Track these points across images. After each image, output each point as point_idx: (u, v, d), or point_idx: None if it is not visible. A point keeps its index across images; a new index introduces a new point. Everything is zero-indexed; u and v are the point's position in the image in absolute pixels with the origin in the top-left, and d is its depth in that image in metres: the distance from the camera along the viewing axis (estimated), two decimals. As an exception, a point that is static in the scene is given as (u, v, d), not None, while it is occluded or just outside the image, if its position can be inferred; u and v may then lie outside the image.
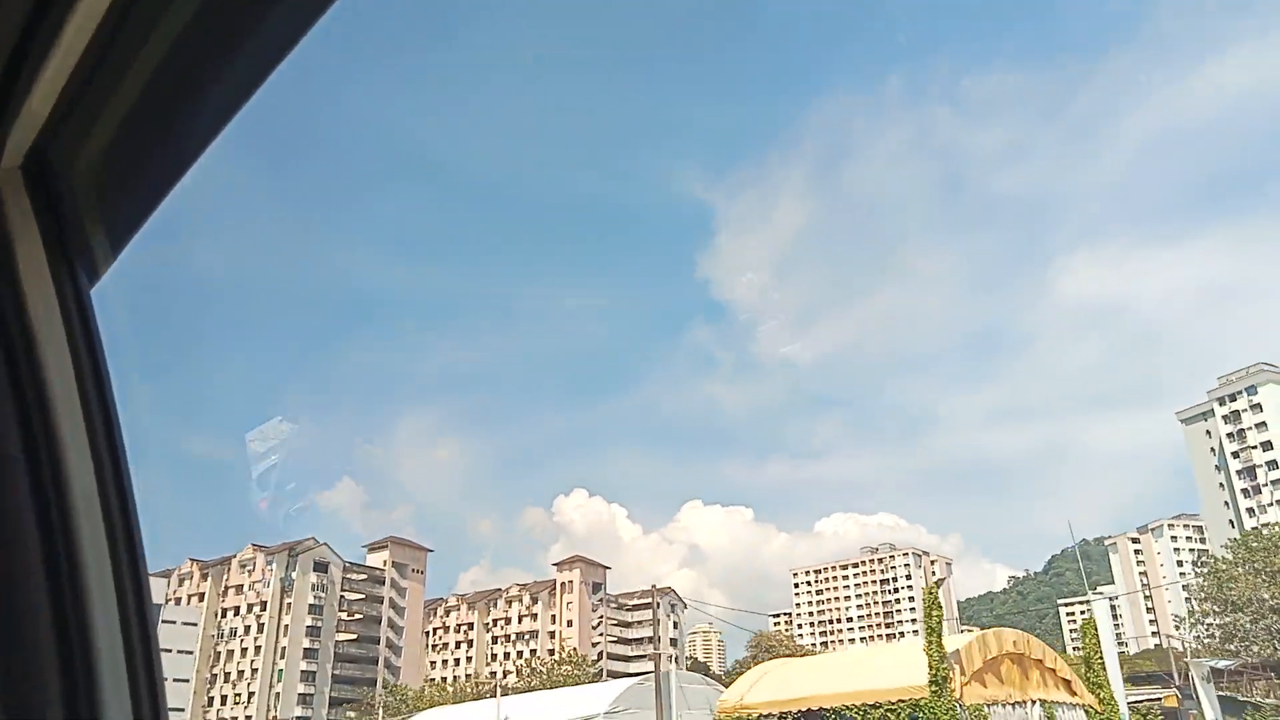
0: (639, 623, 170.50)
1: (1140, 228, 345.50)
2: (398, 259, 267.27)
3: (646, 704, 27.85)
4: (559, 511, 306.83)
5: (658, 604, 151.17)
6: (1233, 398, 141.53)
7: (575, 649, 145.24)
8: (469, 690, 69.46)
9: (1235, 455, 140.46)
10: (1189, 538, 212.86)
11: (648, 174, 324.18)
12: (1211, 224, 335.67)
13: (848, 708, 20.05)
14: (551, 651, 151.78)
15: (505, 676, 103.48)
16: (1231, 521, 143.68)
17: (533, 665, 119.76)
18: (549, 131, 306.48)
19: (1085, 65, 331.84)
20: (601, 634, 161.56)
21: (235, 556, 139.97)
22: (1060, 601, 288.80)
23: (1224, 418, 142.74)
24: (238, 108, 1.38)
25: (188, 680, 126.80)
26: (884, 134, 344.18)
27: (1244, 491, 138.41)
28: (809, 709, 20.61)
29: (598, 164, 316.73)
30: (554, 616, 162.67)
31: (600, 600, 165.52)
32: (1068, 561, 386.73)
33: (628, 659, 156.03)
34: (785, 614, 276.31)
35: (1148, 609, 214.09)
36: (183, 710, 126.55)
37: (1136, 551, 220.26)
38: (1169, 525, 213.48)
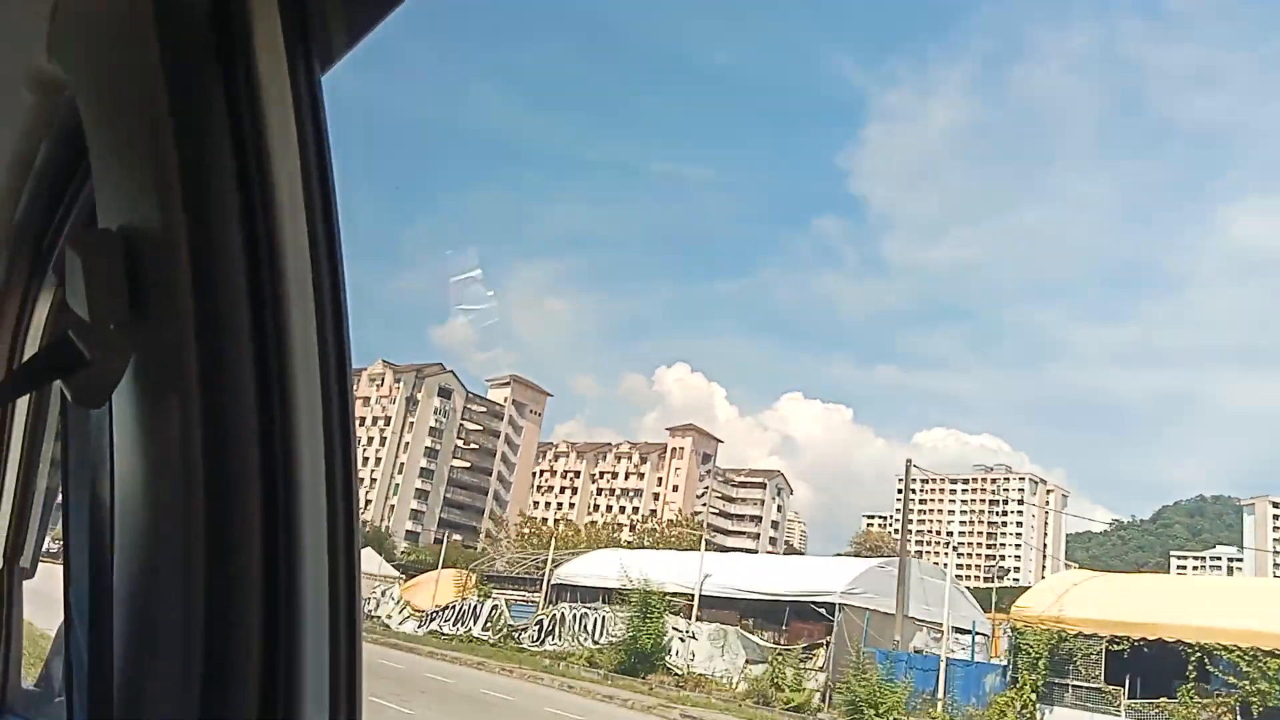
0: (743, 500, 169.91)
1: None
2: (531, 106, 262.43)
3: (883, 589, 24.18)
4: (659, 381, 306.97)
5: (772, 487, 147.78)
6: None
7: (680, 513, 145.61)
8: (600, 536, 68.44)
9: None
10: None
11: (798, 49, 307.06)
12: None
13: (1225, 648, 15.63)
14: (653, 512, 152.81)
15: (618, 531, 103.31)
16: None
17: (648, 524, 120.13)
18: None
19: None
20: (705, 504, 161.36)
21: (366, 370, 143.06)
22: (1174, 552, 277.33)
23: None
24: None
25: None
26: (1063, 39, 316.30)
27: None
28: (1159, 639, 16.37)
29: (745, 32, 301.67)
30: (660, 479, 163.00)
31: (708, 471, 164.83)
32: (1179, 514, 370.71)
33: (728, 533, 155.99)
34: (882, 517, 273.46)
35: (1276, 575, 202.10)
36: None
37: (1276, 515, 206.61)
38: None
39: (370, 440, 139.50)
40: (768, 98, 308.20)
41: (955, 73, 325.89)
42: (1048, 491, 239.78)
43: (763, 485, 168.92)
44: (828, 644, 23.97)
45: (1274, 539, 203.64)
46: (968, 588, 53.53)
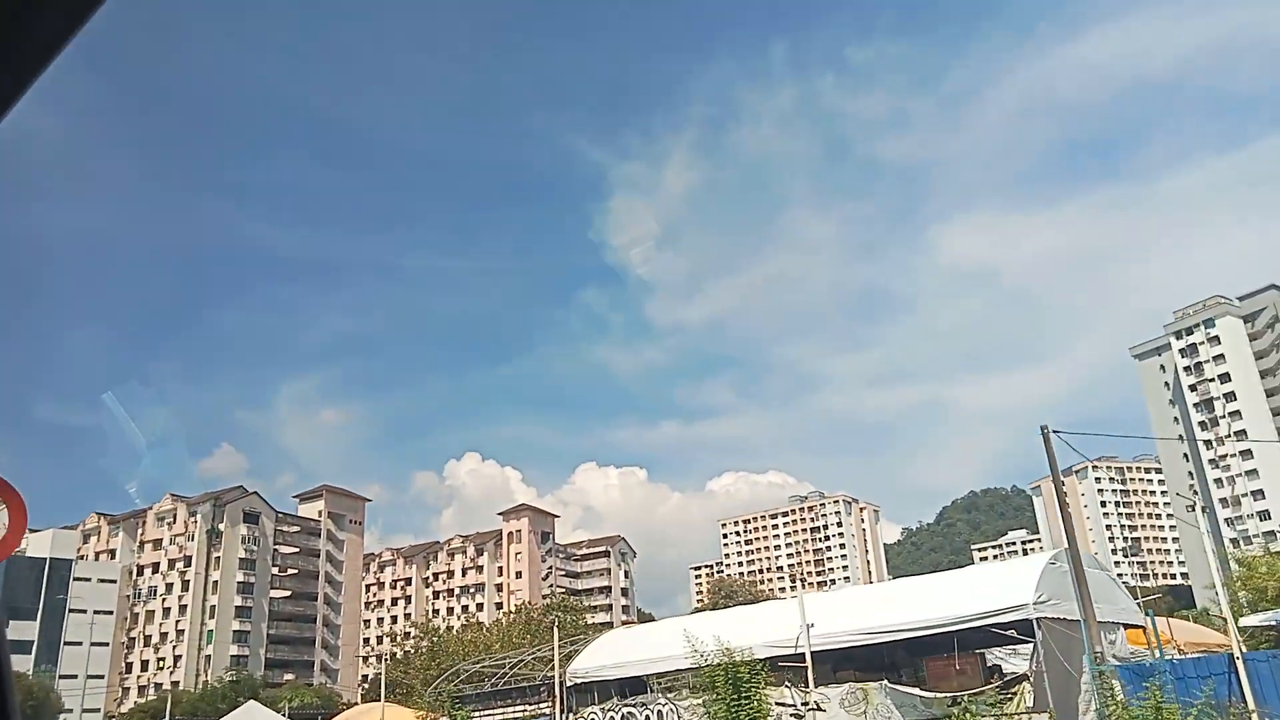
0: (588, 573, 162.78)
1: (1009, 195, 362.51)
2: (276, 219, 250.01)
3: (1061, 593, 19.73)
4: (451, 475, 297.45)
5: (609, 553, 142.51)
6: (1189, 331, 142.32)
7: (527, 600, 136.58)
8: (531, 631, 59.59)
9: (1192, 389, 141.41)
10: (1111, 478, 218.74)
11: (537, 133, 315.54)
12: (1073, 193, 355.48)
13: None
14: (499, 605, 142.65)
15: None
16: (1186, 455, 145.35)
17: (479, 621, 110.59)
18: (437, 89, 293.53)
19: (958, 37, 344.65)
20: (551, 585, 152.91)
21: (151, 508, 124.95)
22: (974, 546, 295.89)
23: (1180, 351, 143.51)
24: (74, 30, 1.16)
25: (106, 645, 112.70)
26: (768, 100, 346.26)
27: (1201, 424, 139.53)
28: None
29: (485, 121, 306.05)
30: (500, 569, 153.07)
31: (549, 551, 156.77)
32: (958, 511, 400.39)
33: (581, 610, 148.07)
34: (709, 565, 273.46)
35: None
36: (101, 677, 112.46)
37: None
38: (1092, 467, 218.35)
39: (170, 587, 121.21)
40: (510, 181, 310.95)
41: (681, 139, 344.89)
42: (861, 510, 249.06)
43: (606, 553, 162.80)
44: (1031, 673, 19.15)
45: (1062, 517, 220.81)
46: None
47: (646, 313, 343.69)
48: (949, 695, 19.33)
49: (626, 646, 29.80)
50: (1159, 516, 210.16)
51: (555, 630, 31.20)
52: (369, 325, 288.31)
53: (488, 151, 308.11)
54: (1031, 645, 19.33)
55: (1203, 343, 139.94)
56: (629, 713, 26.37)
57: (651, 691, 26.64)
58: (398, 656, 69.31)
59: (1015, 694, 18.70)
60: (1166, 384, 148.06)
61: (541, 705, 29.74)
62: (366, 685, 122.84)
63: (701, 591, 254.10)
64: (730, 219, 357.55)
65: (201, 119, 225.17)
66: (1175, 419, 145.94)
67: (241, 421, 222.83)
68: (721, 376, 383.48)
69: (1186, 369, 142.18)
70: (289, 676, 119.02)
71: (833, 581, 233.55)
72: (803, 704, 22.21)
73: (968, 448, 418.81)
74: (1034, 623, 18.96)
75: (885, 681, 21.10)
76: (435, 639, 61.74)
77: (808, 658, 22.32)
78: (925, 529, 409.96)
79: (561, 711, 28.68)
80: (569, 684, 29.03)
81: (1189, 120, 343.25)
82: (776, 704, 22.79)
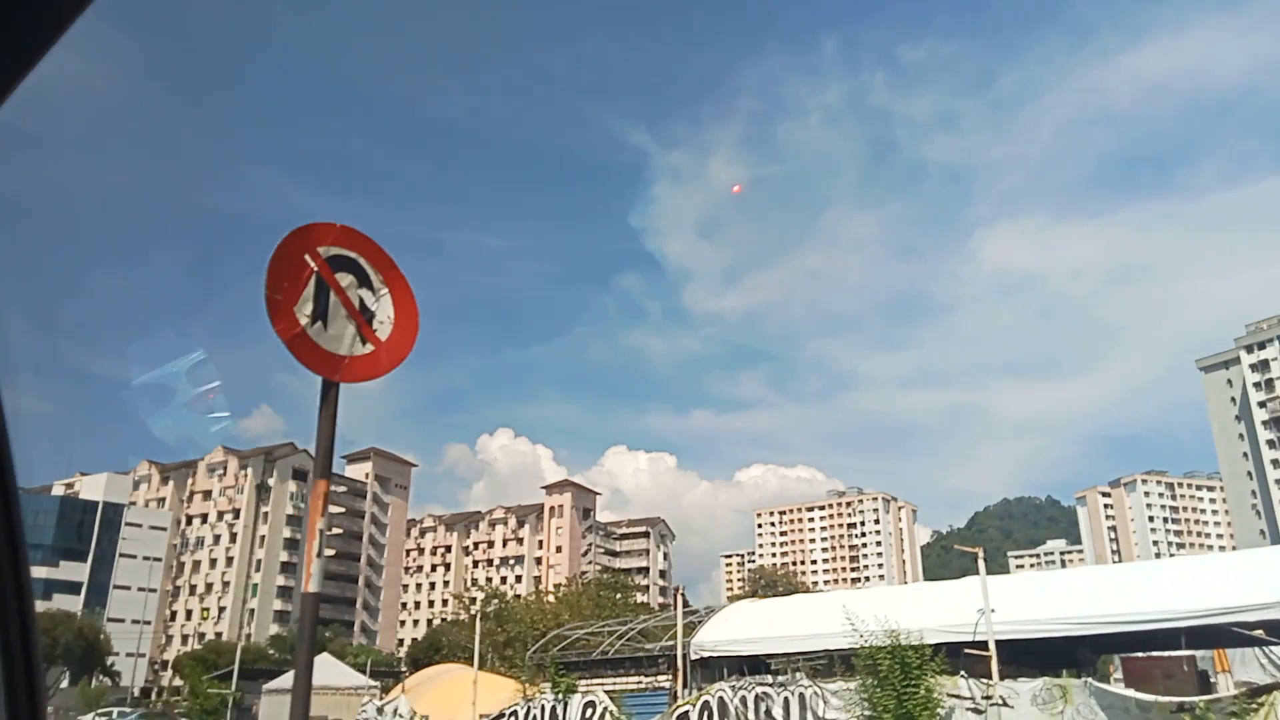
0: (627, 552, 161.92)
1: (1058, 203, 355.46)
2: (324, 190, 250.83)
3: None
4: (483, 450, 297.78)
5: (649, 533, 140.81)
6: (1261, 345, 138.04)
7: (568, 578, 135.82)
8: (585, 603, 58.76)
9: (1262, 405, 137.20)
10: (1160, 493, 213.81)
11: (584, 117, 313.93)
12: (1124, 205, 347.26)
13: None
14: (537, 579, 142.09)
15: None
16: (1250, 473, 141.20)
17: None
18: (487, 69, 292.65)
19: (1012, 42, 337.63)
20: (590, 562, 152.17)
21: (203, 459, 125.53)
22: (1010, 553, 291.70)
23: (1251, 366, 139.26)
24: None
25: (154, 591, 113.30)
26: (817, 96, 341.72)
27: (1269, 443, 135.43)
28: None
29: (533, 103, 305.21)
30: (541, 542, 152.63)
31: (589, 528, 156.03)
32: (990, 518, 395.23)
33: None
34: (740, 554, 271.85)
35: (1115, 562, 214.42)
36: (148, 623, 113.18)
37: (1107, 506, 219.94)
38: (1141, 480, 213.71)
39: (218, 538, 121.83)
40: (555, 163, 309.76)
41: (728, 131, 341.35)
42: (899, 509, 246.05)
43: (646, 534, 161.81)
44: None
45: (1108, 527, 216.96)
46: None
47: (683, 301, 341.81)
48: (1174, 701, 17.47)
49: (757, 621, 28.18)
50: (1208, 535, 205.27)
51: (678, 598, 29.63)
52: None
53: (535, 133, 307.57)
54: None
55: (1276, 358, 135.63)
56: (764, 693, 24.71)
57: (791, 671, 25.03)
58: (463, 619, 68.34)
59: (1264, 704, 16.69)
60: (1233, 399, 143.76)
61: (659, 678, 28.26)
62: (404, 648, 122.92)
63: (731, 579, 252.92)
64: (772, 212, 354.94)
65: (256, 86, 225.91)
66: (1240, 435, 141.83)
67: (280, 384, 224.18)
68: (755, 369, 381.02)
69: (1257, 384, 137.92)
70: (328, 635, 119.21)
71: (867, 579, 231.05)
72: (984, 697, 20.47)
73: (1001, 454, 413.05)
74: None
75: (1089, 680, 19.25)
76: (504, 603, 60.68)
77: (991, 646, 20.59)
78: (955, 533, 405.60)
79: (684, 686, 27.17)
80: (693, 656, 27.51)
81: (1247, 137, 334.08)
82: (949, 695, 21.05)
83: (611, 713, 28.10)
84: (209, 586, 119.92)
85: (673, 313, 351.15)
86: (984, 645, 20.84)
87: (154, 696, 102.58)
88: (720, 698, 25.52)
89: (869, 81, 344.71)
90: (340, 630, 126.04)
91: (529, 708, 30.29)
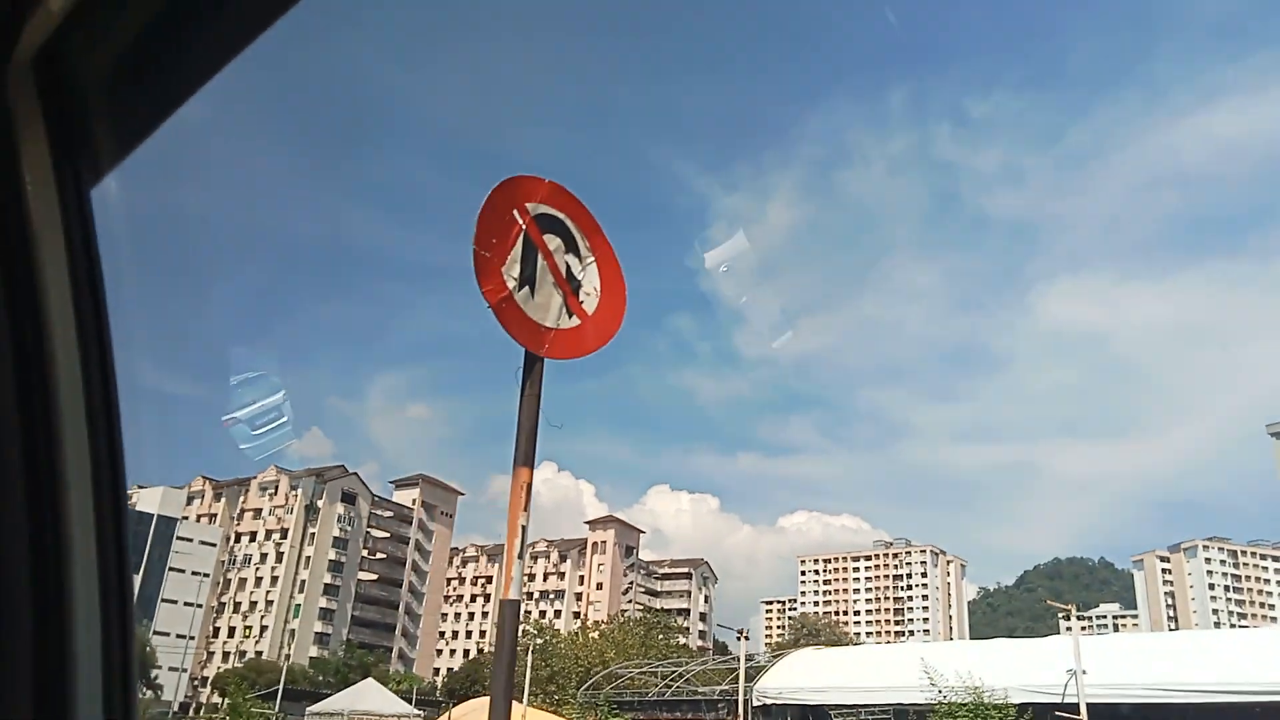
0: (668, 593, 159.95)
1: (1123, 262, 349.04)
2: (389, 218, 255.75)
3: None
4: None
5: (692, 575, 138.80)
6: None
7: (609, 615, 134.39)
8: (632, 641, 58.10)
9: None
10: (1223, 560, 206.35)
11: (649, 159, 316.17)
12: (1192, 266, 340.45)
13: None
14: (577, 614, 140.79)
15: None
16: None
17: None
18: (559, 109, 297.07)
19: (1085, 98, 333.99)
20: (631, 600, 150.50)
21: (256, 478, 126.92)
22: (1062, 616, 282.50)
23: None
24: (255, 34, 1.37)
25: (200, 606, 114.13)
26: (881, 145, 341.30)
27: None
28: None
29: (592, 138, 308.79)
30: (582, 578, 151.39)
31: (631, 566, 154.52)
32: (1040, 577, 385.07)
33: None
34: (781, 601, 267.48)
35: (1171, 629, 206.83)
36: (192, 639, 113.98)
37: (1165, 571, 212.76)
38: (1203, 546, 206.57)
39: (264, 557, 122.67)
40: (617, 203, 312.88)
41: (789, 176, 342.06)
42: (948, 562, 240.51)
43: (688, 575, 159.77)
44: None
45: (1165, 592, 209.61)
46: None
47: (735, 343, 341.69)
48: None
49: (822, 669, 27.12)
50: (1273, 605, 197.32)
51: (742, 641, 28.67)
52: (461, 328, 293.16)
53: (599, 172, 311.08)
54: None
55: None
56: (829, 745, 23.71)
57: (860, 722, 23.92)
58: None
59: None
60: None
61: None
62: (439, 677, 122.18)
63: (770, 626, 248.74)
64: (830, 259, 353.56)
65: (335, 118, 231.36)
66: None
67: (331, 408, 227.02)
68: (806, 414, 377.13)
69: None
70: (370, 659, 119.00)
71: (911, 633, 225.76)
72: (1072, 765, 19.29)
73: (1054, 514, 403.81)
74: None
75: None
76: (548, 638, 59.87)
77: (1082, 709, 19.41)
78: (1004, 590, 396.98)
79: (744, 733, 26.17)
80: (755, 703, 26.51)
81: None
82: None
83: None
84: (253, 604, 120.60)
85: (724, 354, 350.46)
86: (1074, 708, 19.67)
87: (192, 712, 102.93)
88: (782, 748, 24.67)
89: (934, 132, 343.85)
90: (379, 655, 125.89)
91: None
